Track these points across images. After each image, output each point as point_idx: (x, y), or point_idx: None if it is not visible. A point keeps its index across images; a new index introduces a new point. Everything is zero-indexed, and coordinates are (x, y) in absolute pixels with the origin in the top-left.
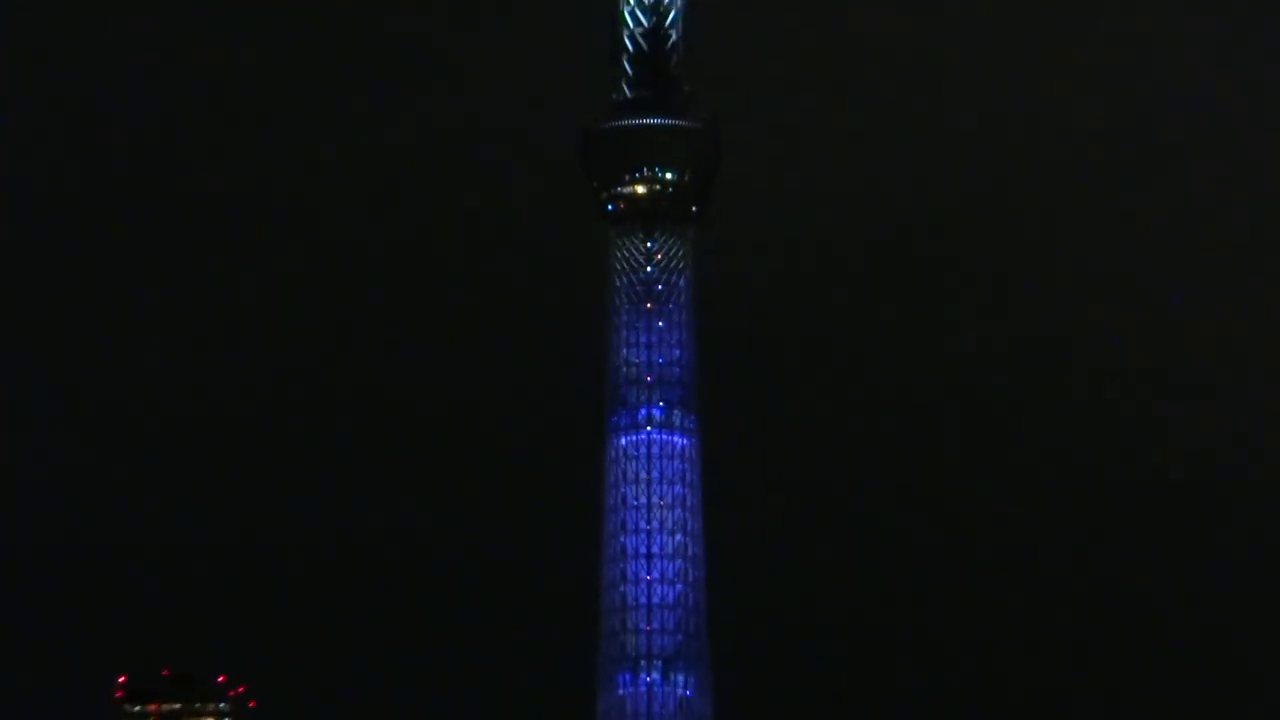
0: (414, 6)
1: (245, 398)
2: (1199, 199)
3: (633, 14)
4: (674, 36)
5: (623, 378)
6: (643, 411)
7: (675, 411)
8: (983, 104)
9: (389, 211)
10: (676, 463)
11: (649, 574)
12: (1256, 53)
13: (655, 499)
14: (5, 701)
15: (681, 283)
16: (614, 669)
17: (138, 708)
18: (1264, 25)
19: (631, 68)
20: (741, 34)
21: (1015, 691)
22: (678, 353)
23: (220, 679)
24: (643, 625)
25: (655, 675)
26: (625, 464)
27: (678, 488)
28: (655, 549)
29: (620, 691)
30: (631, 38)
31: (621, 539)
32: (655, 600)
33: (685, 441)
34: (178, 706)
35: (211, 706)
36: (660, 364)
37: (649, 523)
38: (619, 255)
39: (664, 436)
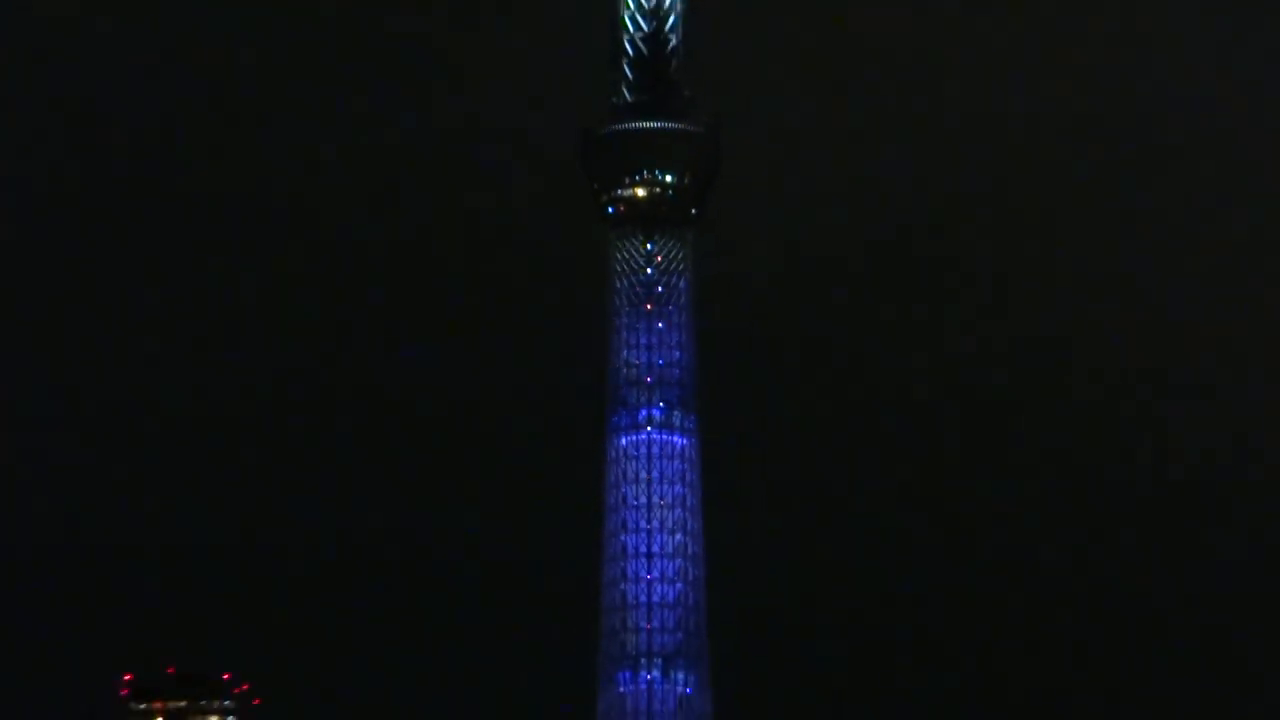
0: (414, 6)
1: (245, 398)
2: (1199, 199)
3: (633, 18)
4: (674, 41)
5: (623, 378)
6: (643, 412)
7: (675, 412)
8: (983, 104)
9: (389, 211)
10: (676, 462)
11: (649, 573)
12: (1257, 53)
13: (655, 498)
14: (12, 700)
15: (681, 284)
16: (614, 667)
17: (143, 705)
18: (1264, 25)
19: (631, 72)
20: (741, 36)
21: (1015, 691)
22: (677, 354)
23: (225, 677)
24: (643, 623)
25: (655, 673)
26: (625, 464)
27: (677, 487)
28: (655, 548)
29: (621, 689)
30: (631, 42)
31: (622, 538)
32: (655, 599)
33: (685, 441)
34: (183, 704)
35: (216, 704)
36: (660, 365)
37: (649, 522)
38: (619, 257)
39: (664, 436)
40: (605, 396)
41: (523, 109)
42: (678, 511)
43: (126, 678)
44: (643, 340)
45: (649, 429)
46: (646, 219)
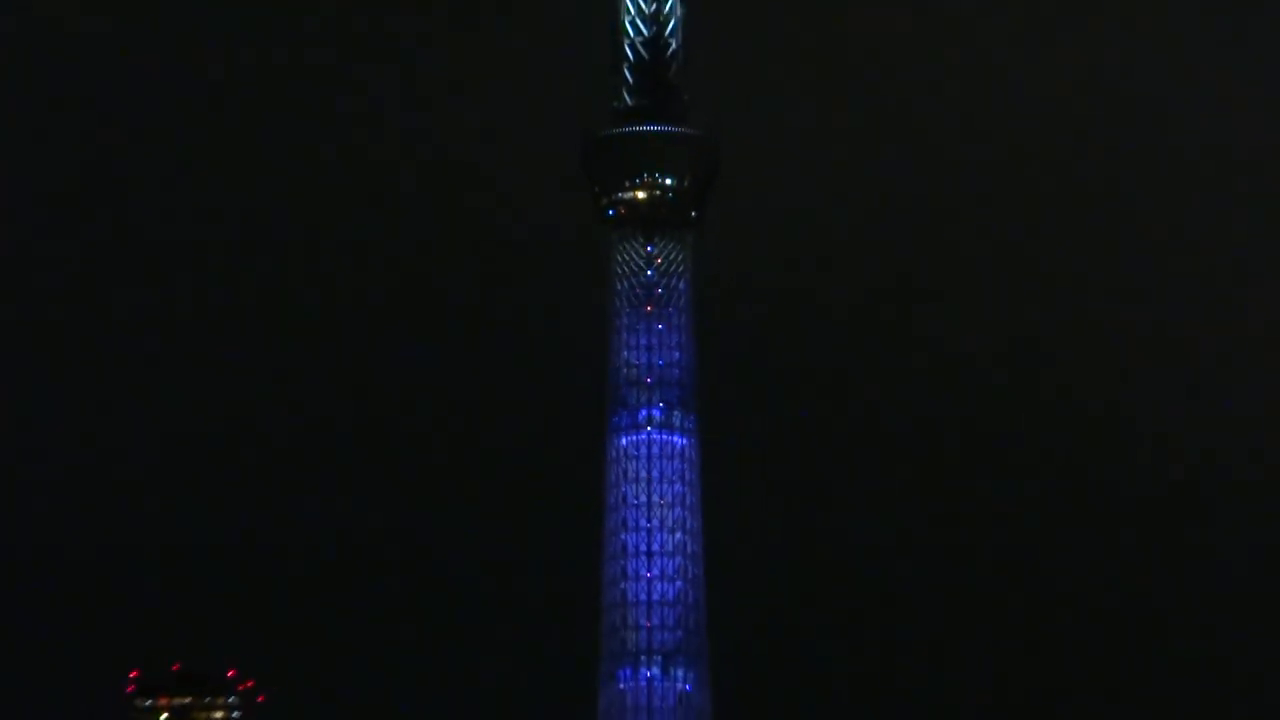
0: (414, 6)
1: (245, 398)
2: (1199, 199)
3: (633, 23)
4: (674, 45)
5: (623, 379)
6: (643, 412)
7: (675, 412)
8: (983, 104)
9: (389, 211)
10: (676, 462)
11: (649, 571)
12: (1257, 53)
13: (655, 497)
14: (19, 698)
15: (681, 286)
16: (615, 664)
17: (148, 702)
18: (1264, 25)
19: (632, 76)
20: (740, 39)
21: (1015, 691)
22: (677, 354)
23: (229, 674)
24: (643, 621)
25: (655, 670)
26: (626, 463)
27: (677, 486)
28: (655, 546)
29: (621, 686)
30: (632, 47)
31: (622, 536)
32: (655, 597)
33: (684, 441)
34: (187, 701)
35: (221, 701)
36: (660, 365)
37: (649, 520)
38: (620, 259)
39: (664, 436)
40: (605, 396)
41: (523, 109)
42: (677, 510)
43: (132, 675)
44: (643, 341)
45: (649, 429)
46: (647, 221)
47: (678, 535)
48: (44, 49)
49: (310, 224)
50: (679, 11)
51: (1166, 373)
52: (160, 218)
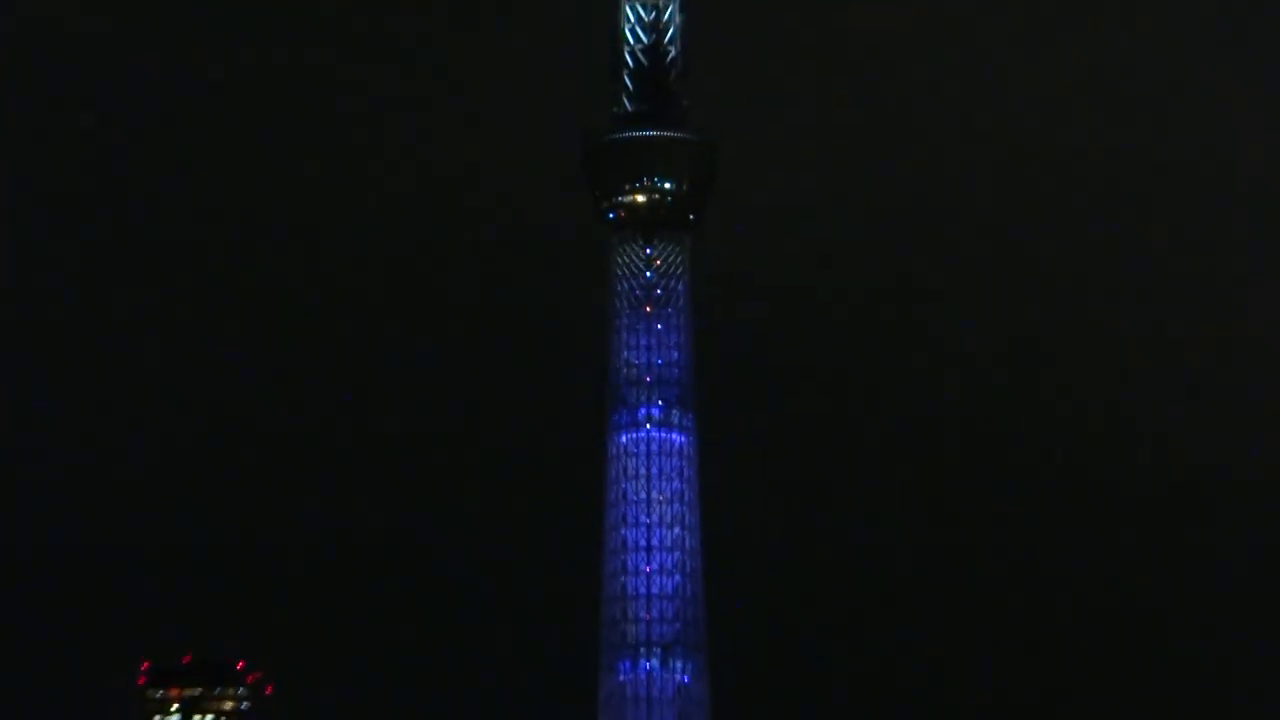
0: (414, 6)
1: (245, 398)
2: (1199, 199)
3: (633, 31)
4: (672, 53)
5: (623, 378)
6: (642, 410)
7: (673, 410)
8: (983, 104)
9: (389, 212)
10: (675, 459)
11: (648, 565)
12: (1257, 53)
13: (654, 494)
14: (36, 689)
15: (680, 287)
16: (615, 656)
17: (160, 693)
18: (1264, 25)
19: (632, 83)
20: (741, 40)
21: (1015, 691)
22: (676, 354)
23: (239, 666)
24: (642, 614)
25: (654, 662)
26: (626, 460)
27: (676, 483)
28: (654, 541)
29: (621, 678)
30: (632, 54)
31: (622, 532)
32: (654, 590)
33: (683, 439)
34: (198, 692)
35: (230, 692)
36: (659, 365)
37: (648, 516)
38: (620, 261)
39: (663, 434)
40: (606, 395)
41: (523, 109)
42: (676, 506)
43: (144, 666)
44: (642, 341)
45: (648, 427)
46: (646, 224)
47: (676, 530)
48: (44, 49)
49: (310, 224)
50: (678, 19)
51: (1166, 373)
52: (160, 218)
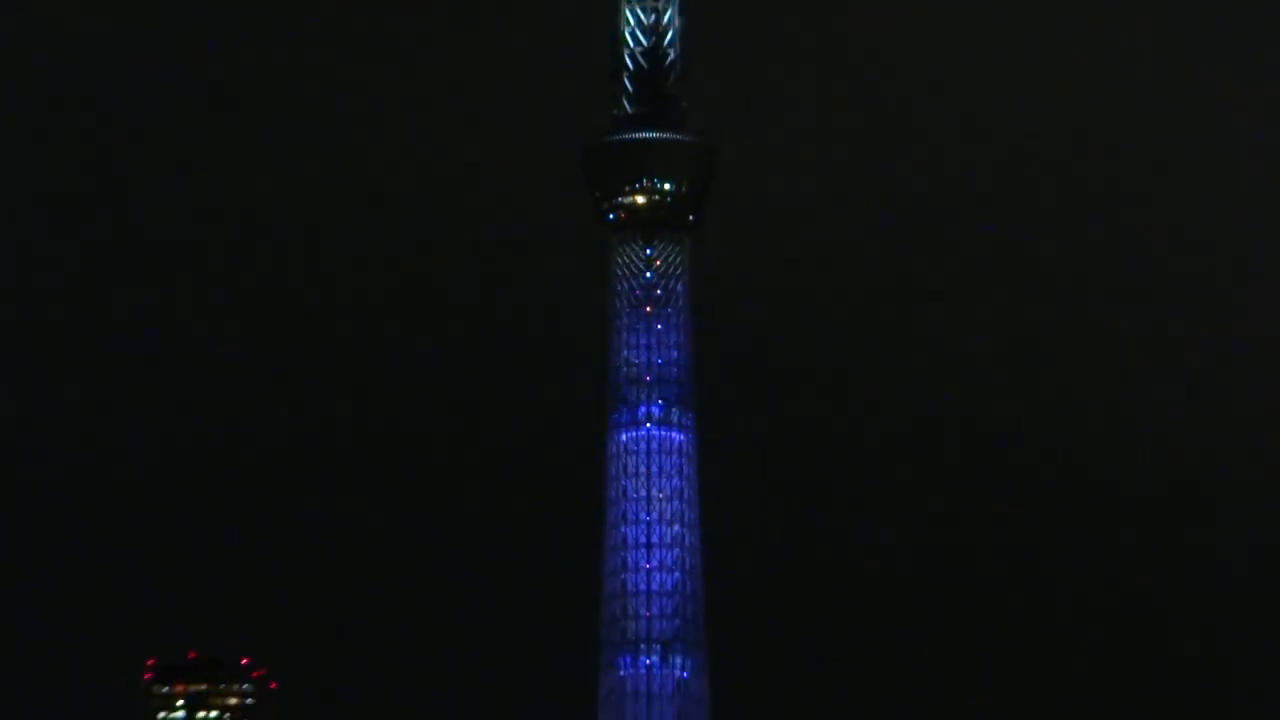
0: (414, 6)
1: (245, 398)
2: (1199, 199)
3: (633, 34)
4: (672, 56)
5: (623, 377)
6: (642, 409)
7: (673, 409)
8: (983, 104)
9: (389, 212)
10: (674, 457)
11: (648, 562)
12: (1257, 53)
13: (654, 491)
14: (43, 685)
15: (679, 287)
16: (615, 652)
17: (165, 688)
18: (1264, 25)
19: (632, 85)
20: (741, 40)
21: (1015, 691)
22: (675, 353)
23: (243, 662)
24: (642, 611)
25: (654, 658)
26: (626, 458)
27: (675, 481)
28: (654, 539)
29: (621, 673)
30: (631, 57)
31: (622, 529)
32: (654, 587)
33: (683, 437)
34: (203, 687)
35: (235, 687)
36: (659, 364)
37: (648, 514)
38: (620, 262)
39: (662, 432)
40: (606, 394)
41: (523, 110)
42: (675, 504)
43: (149, 662)
44: (642, 341)
45: (648, 425)
46: (646, 225)
47: (676, 528)
48: (44, 49)
49: (310, 224)
50: (677, 23)
51: (1166, 373)
52: (160, 218)
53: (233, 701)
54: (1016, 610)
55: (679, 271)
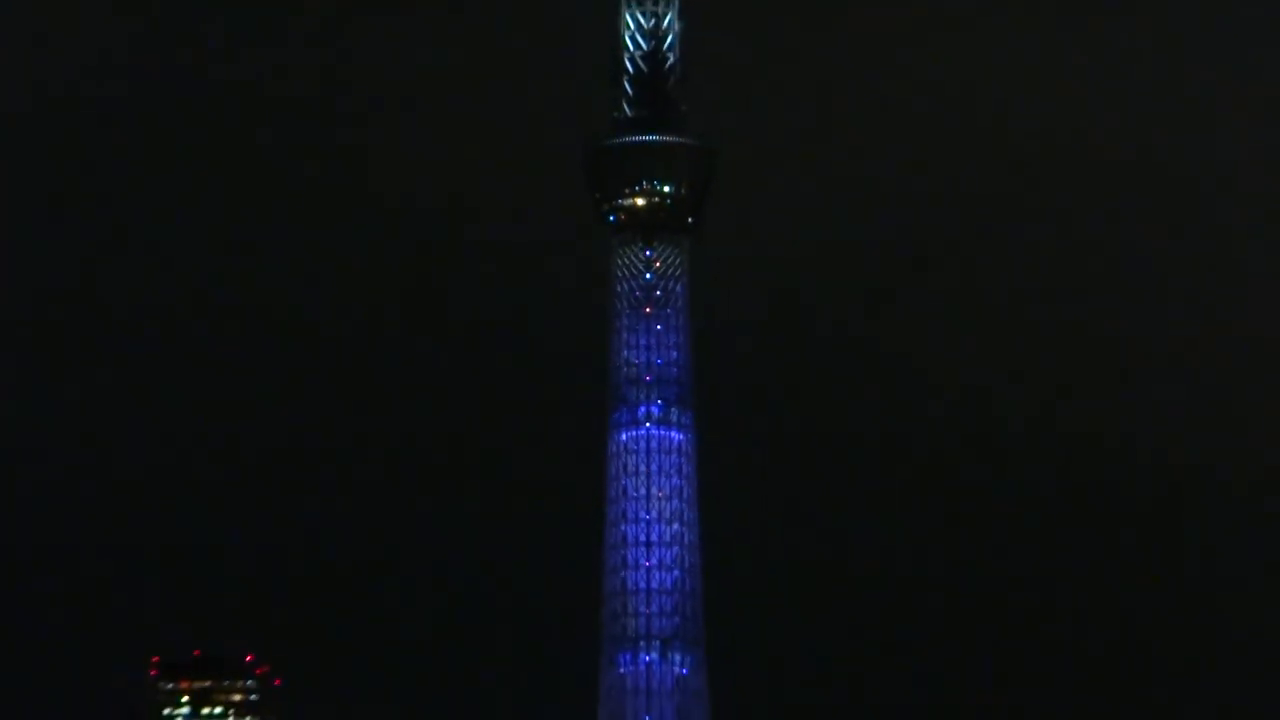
0: (414, 6)
1: (245, 398)
2: (1199, 198)
3: (633, 38)
4: (671, 59)
5: (623, 377)
6: (642, 409)
7: (672, 409)
8: (983, 104)
9: (389, 212)
10: (674, 456)
11: (648, 560)
12: (1256, 53)
13: (654, 490)
14: (49, 684)
15: (678, 288)
16: (615, 649)
17: (170, 685)
18: (1264, 25)
19: (631, 88)
20: (741, 40)
21: (1015, 691)
22: (675, 354)
23: (248, 659)
24: (642, 608)
25: (654, 655)
26: (626, 458)
27: (675, 480)
28: (654, 537)
29: (621, 670)
30: (631, 60)
31: (622, 527)
32: (654, 585)
33: (682, 436)
34: (208, 684)
35: (240, 684)
36: (659, 364)
37: (648, 512)
38: (620, 263)
39: (662, 432)
40: (606, 394)
41: (523, 110)
42: (675, 502)
43: (154, 659)
44: (642, 341)
45: (648, 425)
46: (646, 227)
47: (675, 526)
48: (44, 49)
49: (310, 224)
50: (677, 26)
51: (1166, 373)
52: (160, 218)
53: (237, 698)
54: (1016, 610)
55: (678, 273)
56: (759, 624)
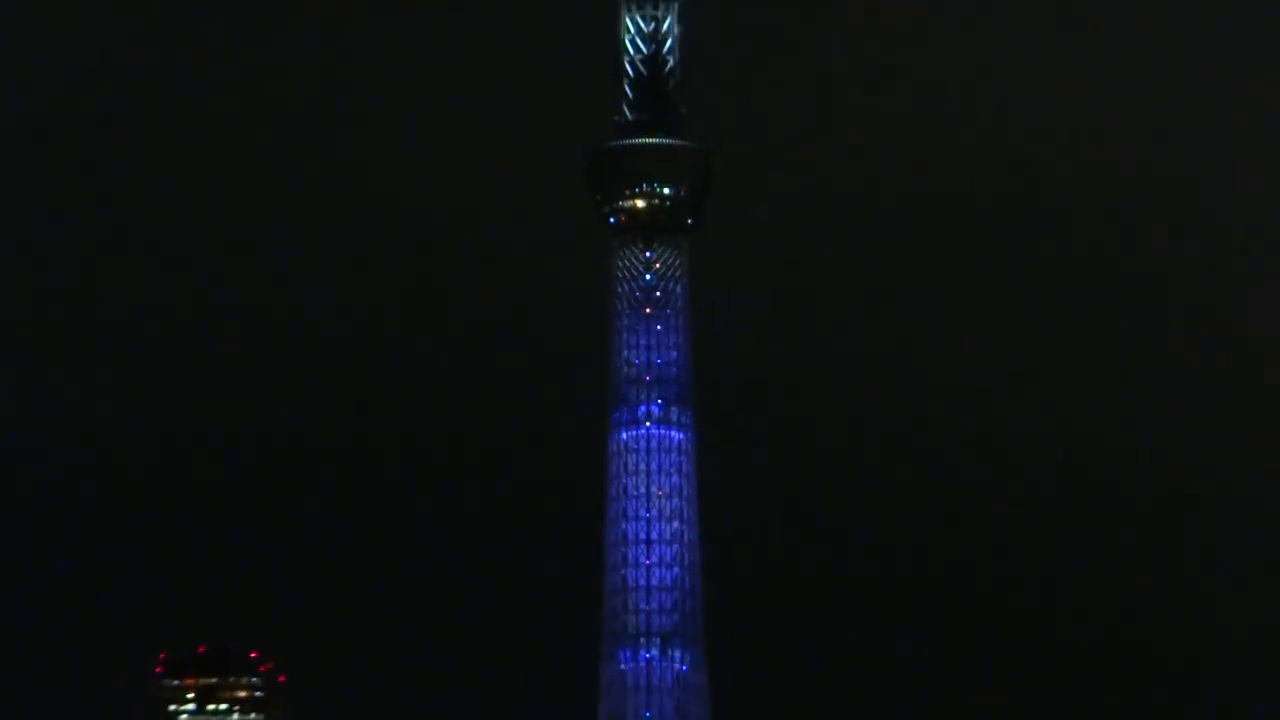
0: (414, 6)
1: (245, 398)
2: (1199, 198)
3: (633, 42)
4: (671, 62)
5: (623, 377)
6: (642, 408)
7: (672, 408)
8: (983, 104)
9: (389, 212)
10: (673, 455)
11: (648, 558)
12: (1256, 53)
13: (654, 489)
14: (56, 682)
15: (678, 289)
16: (616, 645)
17: (176, 681)
18: (1264, 25)
19: (632, 91)
20: (741, 40)
21: (1015, 691)
22: (675, 354)
23: (252, 655)
24: (642, 605)
25: (654, 652)
26: (626, 456)
27: (674, 478)
28: (654, 535)
29: (622, 666)
30: (632, 64)
31: (623, 525)
32: (654, 582)
33: (682, 436)
34: (213, 680)
35: (245, 680)
36: (659, 364)
37: (648, 510)
38: (620, 264)
39: (662, 431)
40: (607, 394)
41: (523, 110)
42: (675, 501)
43: (161, 656)
44: (642, 341)
45: (648, 424)
46: (646, 228)
47: (675, 524)
48: (44, 49)
49: (310, 224)
50: (676, 30)
51: (1166, 373)
52: (160, 218)
53: (242, 694)
54: (1016, 610)
55: (678, 273)
56: (759, 621)
